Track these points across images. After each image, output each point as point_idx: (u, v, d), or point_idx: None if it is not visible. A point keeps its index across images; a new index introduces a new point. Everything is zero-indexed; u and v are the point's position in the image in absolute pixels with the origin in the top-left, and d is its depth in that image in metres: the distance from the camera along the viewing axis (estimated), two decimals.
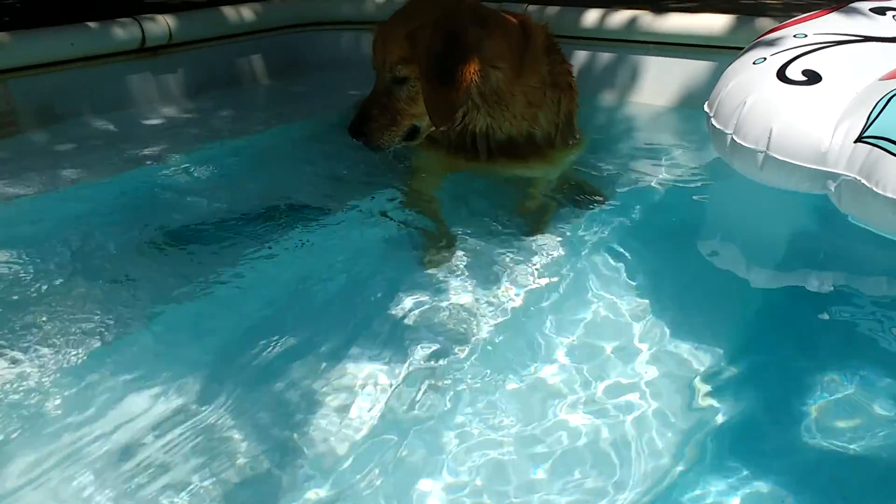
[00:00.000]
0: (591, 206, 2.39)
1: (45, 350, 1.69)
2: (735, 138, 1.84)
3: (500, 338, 1.75)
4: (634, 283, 1.96)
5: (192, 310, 1.90)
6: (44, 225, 2.28)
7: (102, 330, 1.78)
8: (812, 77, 1.85)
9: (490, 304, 1.87)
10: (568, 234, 2.24)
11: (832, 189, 1.70)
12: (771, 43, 2.07)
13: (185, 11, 3.38)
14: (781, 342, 1.75)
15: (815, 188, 1.75)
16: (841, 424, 1.46)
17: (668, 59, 3.48)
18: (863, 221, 1.68)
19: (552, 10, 3.64)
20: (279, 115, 3.32)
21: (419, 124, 2.39)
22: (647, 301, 1.87)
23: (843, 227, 1.96)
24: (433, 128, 2.41)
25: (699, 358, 1.65)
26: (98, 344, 1.72)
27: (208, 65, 3.45)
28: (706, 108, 2.06)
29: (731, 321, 1.84)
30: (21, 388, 1.57)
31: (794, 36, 2.09)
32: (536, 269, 2.04)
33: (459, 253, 2.11)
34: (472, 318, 1.82)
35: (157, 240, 2.22)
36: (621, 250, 2.16)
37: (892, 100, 1.65)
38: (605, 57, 3.59)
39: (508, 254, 2.10)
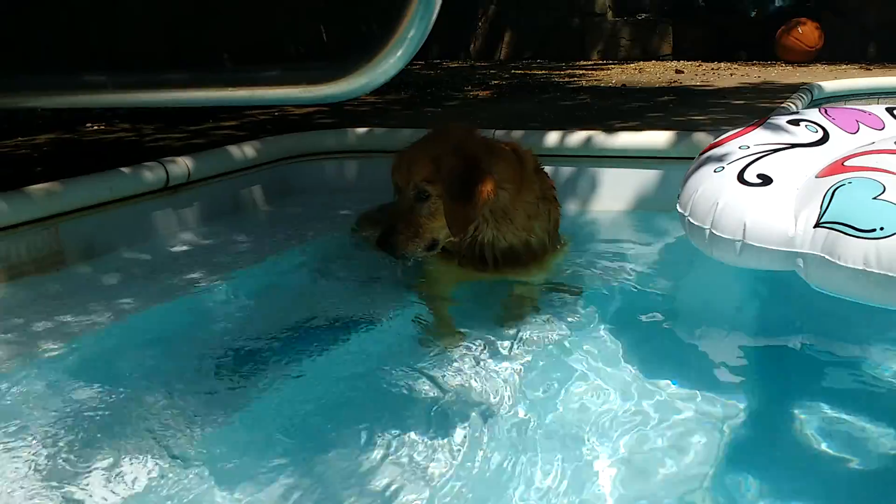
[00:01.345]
0: (571, 297, 2.75)
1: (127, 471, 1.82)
2: (714, 232, 2.25)
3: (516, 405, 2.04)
4: (622, 356, 2.28)
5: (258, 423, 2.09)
6: (112, 354, 2.45)
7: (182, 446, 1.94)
8: (766, 179, 2.29)
9: (499, 382, 2.17)
10: (555, 321, 2.54)
11: (801, 265, 2.10)
12: (723, 154, 2.53)
13: (199, 153, 3.72)
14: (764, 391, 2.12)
15: (787, 266, 2.15)
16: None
17: (620, 170, 3.97)
18: (826, 289, 2.08)
19: (517, 133, 4.12)
20: (287, 237, 3.58)
21: (438, 237, 2.67)
22: (634, 369, 2.20)
23: (794, 296, 2.42)
24: (449, 239, 2.72)
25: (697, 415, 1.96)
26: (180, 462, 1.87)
27: (217, 197, 3.75)
28: (680, 210, 2.46)
29: (705, 374, 2.19)
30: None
31: (740, 147, 2.54)
32: (537, 350, 2.35)
33: (471, 345, 2.40)
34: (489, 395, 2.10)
35: (219, 366, 2.38)
36: (604, 331, 2.46)
37: (835, 193, 2.10)
38: (567, 171, 4.05)
39: (507, 341, 2.41)
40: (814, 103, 5.35)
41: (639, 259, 3.19)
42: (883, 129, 2.88)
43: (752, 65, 8.36)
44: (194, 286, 2.95)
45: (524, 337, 2.45)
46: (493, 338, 2.44)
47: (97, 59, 5.63)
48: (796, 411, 2.02)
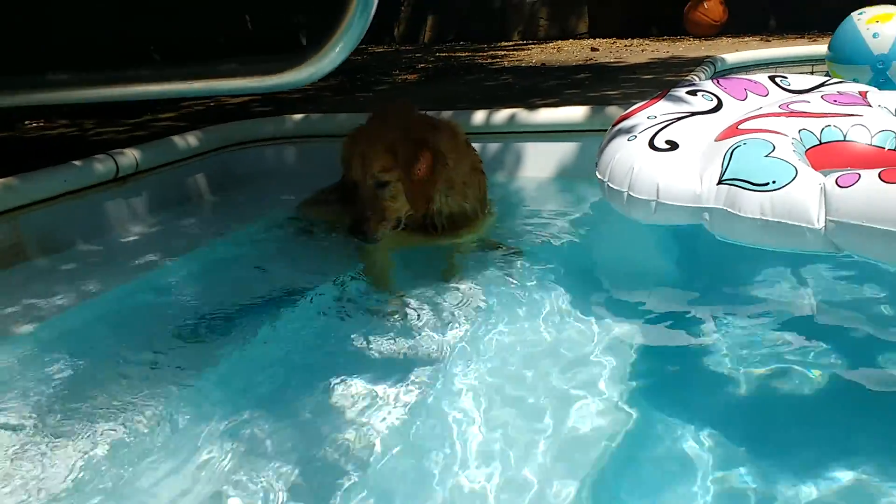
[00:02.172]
0: (510, 258, 2.97)
1: (91, 436, 1.95)
2: (631, 194, 2.50)
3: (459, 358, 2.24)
4: (556, 305, 2.53)
5: (218, 382, 2.24)
6: (79, 332, 2.58)
7: (153, 412, 2.07)
8: (673, 145, 2.55)
9: (446, 337, 2.36)
10: (495, 280, 2.76)
11: (707, 218, 2.37)
12: (633, 124, 2.78)
13: (146, 143, 3.82)
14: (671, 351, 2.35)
15: (695, 220, 2.41)
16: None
17: (542, 143, 4.22)
18: (729, 238, 2.35)
19: (446, 113, 4.31)
20: (235, 221, 3.71)
21: (401, 216, 2.84)
22: (567, 317, 2.44)
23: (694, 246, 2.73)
24: (409, 214, 2.88)
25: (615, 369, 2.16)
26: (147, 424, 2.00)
27: (164, 187, 3.85)
28: (599, 176, 2.71)
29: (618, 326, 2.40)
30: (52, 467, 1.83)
31: (648, 118, 2.80)
32: (479, 308, 2.56)
33: (414, 303, 2.60)
34: (437, 351, 2.29)
35: (182, 334, 2.55)
36: (540, 286, 2.70)
37: (733, 153, 2.36)
38: (494, 146, 4.27)
39: (449, 300, 2.62)
40: (716, 75, 5.70)
41: (562, 220, 3.47)
42: (767, 95, 3.18)
43: (663, 40, 8.72)
44: (150, 269, 3.08)
45: (466, 293, 2.66)
46: (436, 298, 2.64)
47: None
48: (701, 346, 2.29)
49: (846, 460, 1.69)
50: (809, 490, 1.62)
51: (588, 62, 6.71)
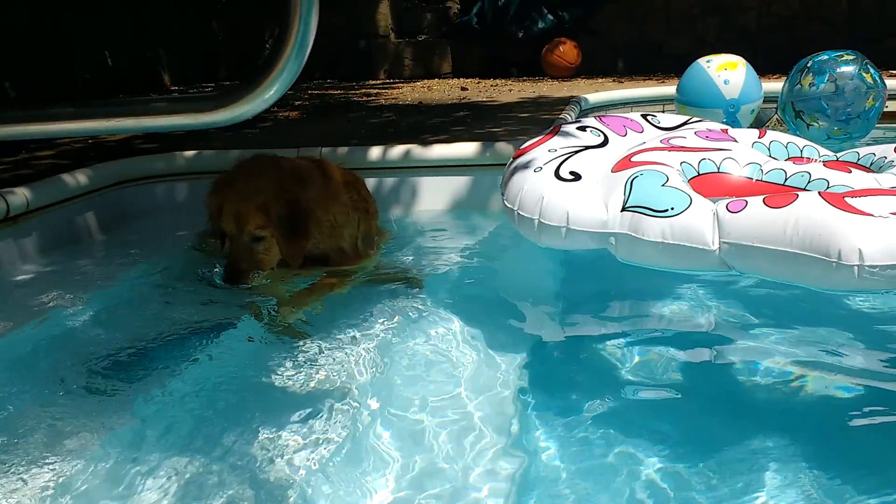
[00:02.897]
0: (408, 286, 3.06)
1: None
2: (542, 221, 2.66)
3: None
4: (453, 330, 2.65)
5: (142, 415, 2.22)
6: None
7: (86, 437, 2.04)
8: (576, 175, 2.74)
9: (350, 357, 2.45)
10: (395, 308, 2.84)
11: (612, 242, 2.57)
12: (536, 157, 2.96)
13: (35, 182, 3.64)
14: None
15: (602, 244, 2.60)
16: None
17: (435, 177, 4.37)
18: (632, 261, 2.56)
19: (342, 150, 4.39)
20: (131, 259, 3.60)
21: (274, 264, 2.96)
22: (464, 341, 2.57)
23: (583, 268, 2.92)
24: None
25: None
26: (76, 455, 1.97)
27: (53, 226, 3.69)
28: (509, 205, 2.86)
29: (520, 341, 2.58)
30: None
31: (549, 151, 3.00)
32: (380, 334, 2.63)
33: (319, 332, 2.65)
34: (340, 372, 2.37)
35: (95, 373, 2.46)
36: (435, 309, 2.82)
37: (633, 182, 2.58)
38: (390, 181, 4.37)
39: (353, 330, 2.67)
40: (582, 113, 6.08)
41: (457, 249, 3.64)
42: (642, 131, 3.48)
43: (524, 80, 9.16)
44: (52, 309, 2.95)
45: (366, 322, 2.73)
46: (335, 329, 2.68)
47: None
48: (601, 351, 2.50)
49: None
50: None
51: (462, 101, 6.96)
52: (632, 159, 2.88)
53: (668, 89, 6.37)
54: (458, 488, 1.83)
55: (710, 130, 3.38)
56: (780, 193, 2.47)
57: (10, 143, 4.91)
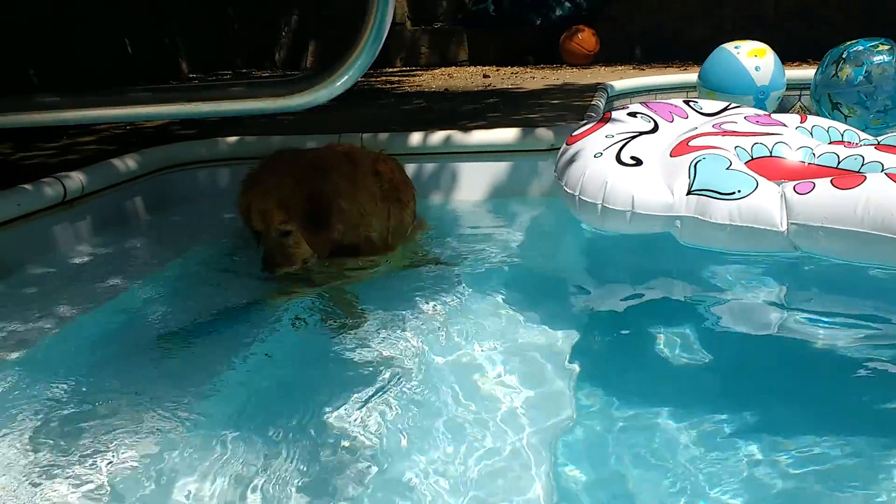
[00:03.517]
0: (445, 272, 3.06)
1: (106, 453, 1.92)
2: (605, 205, 2.68)
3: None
4: (494, 315, 2.64)
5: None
6: (69, 355, 2.49)
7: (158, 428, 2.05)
8: (637, 160, 2.76)
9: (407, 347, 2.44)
10: (437, 291, 2.85)
11: (678, 226, 2.59)
12: (595, 143, 2.98)
13: (90, 166, 3.66)
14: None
15: (666, 228, 2.62)
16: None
17: (475, 163, 4.37)
18: (697, 244, 2.58)
19: (383, 136, 4.39)
20: (177, 244, 3.61)
21: (307, 256, 2.90)
22: (509, 324, 2.57)
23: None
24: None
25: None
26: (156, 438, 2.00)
27: (104, 209, 3.71)
28: (569, 190, 2.88)
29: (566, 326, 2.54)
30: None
31: (606, 137, 3.02)
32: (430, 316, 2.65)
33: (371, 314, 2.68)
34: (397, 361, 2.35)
35: (164, 343, 2.55)
36: (474, 295, 2.82)
37: (697, 166, 2.60)
38: (430, 167, 4.38)
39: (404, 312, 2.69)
40: (609, 100, 6.08)
41: (497, 234, 3.62)
42: (687, 117, 3.48)
43: (543, 68, 9.13)
44: (109, 292, 2.99)
45: (411, 305, 2.74)
46: (389, 313, 2.69)
47: None
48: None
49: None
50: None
51: (488, 88, 6.95)
52: (689, 144, 2.89)
53: (692, 76, 6.35)
54: (506, 460, 1.84)
55: (759, 115, 3.39)
56: (846, 175, 2.48)
57: (51, 128, 4.92)
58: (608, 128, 3.14)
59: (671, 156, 2.83)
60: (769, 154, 3.04)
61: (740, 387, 2.18)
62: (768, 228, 2.42)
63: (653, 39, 9.71)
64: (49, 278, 3.08)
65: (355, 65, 2.45)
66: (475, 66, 9.96)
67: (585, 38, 9.19)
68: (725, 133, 3.09)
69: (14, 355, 2.40)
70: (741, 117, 3.34)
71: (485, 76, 8.37)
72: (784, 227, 2.41)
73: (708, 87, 5.74)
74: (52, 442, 1.97)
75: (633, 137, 3.03)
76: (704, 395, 2.16)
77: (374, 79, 8.44)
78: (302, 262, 2.91)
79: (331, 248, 2.91)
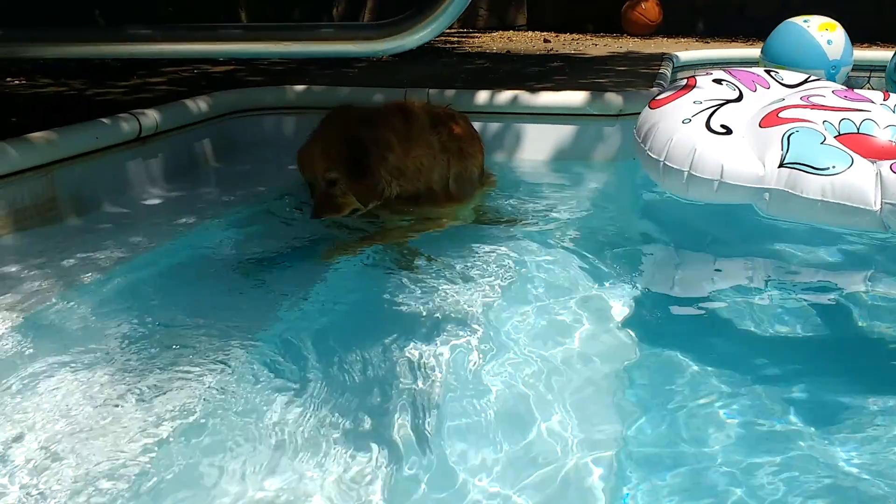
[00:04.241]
0: (508, 228, 3.01)
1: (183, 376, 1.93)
2: (692, 173, 2.58)
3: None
4: (552, 271, 2.59)
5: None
6: (141, 283, 2.51)
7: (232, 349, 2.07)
8: (727, 129, 2.65)
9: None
10: (500, 249, 2.78)
11: (766, 198, 2.48)
12: (683, 108, 2.85)
13: (163, 105, 3.63)
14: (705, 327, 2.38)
15: (753, 199, 2.52)
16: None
17: (541, 125, 4.27)
18: (784, 217, 2.47)
19: (449, 92, 4.29)
20: (244, 189, 3.58)
21: (356, 206, 2.91)
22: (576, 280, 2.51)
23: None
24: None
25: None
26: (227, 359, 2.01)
27: (175, 151, 3.69)
28: (654, 156, 2.77)
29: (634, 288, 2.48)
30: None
31: (694, 102, 2.89)
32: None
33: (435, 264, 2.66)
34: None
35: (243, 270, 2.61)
36: (544, 255, 2.73)
37: (790, 139, 2.48)
38: (494, 126, 4.28)
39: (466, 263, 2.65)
40: (674, 70, 5.90)
41: (560, 197, 3.54)
42: (769, 88, 3.33)
43: (603, 36, 8.92)
44: (181, 230, 2.99)
45: (478, 259, 2.69)
46: (450, 268, 2.64)
47: None
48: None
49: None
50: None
51: (550, 52, 6.79)
52: (779, 115, 2.76)
53: (757, 51, 6.13)
54: (569, 418, 1.79)
55: (846, 90, 3.23)
56: None
57: (122, 68, 4.91)
58: (696, 93, 3.01)
59: (761, 126, 2.70)
60: (856, 130, 2.90)
61: (807, 367, 2.08)
62: (861, 207, 2.31)
63: (716, 13, 9.41)
64: (122, 213, 3.09)
65: (447, 10, 2.35)
66: (533, 31, 9.76)
67: (649, 8, 8.93)
68: (814, 106, 2.95)
69: (90, 283, 2.41)
70: (828, 91, 3.19)
71: (545, 41, 8.19)
72: (878, 207, 2.30)
73: (776, 62, 5.54)
74: (121, 366, 1.98)
75: (721, 105, 2.90)
76: (765, 373, 2.05)
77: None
78: (351, 212, 2.93)
79: (377, 197, 2.92)
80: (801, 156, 2.43)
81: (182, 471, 1.60)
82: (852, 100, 3.12)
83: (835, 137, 2.79)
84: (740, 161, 2.52)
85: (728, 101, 2.97)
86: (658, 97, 3.14)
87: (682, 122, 2.73)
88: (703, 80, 3.14)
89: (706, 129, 2.64)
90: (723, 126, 2.65)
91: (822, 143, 2.45)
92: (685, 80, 3.20)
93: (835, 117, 2.90)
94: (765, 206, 2.49)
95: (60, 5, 4.82)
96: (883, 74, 5.19)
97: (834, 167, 2.36)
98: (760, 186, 2.48)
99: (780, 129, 2.57)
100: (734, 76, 3.28)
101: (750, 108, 2.97)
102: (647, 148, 2.79)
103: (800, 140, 2.49)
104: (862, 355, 2.16)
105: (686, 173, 2.58)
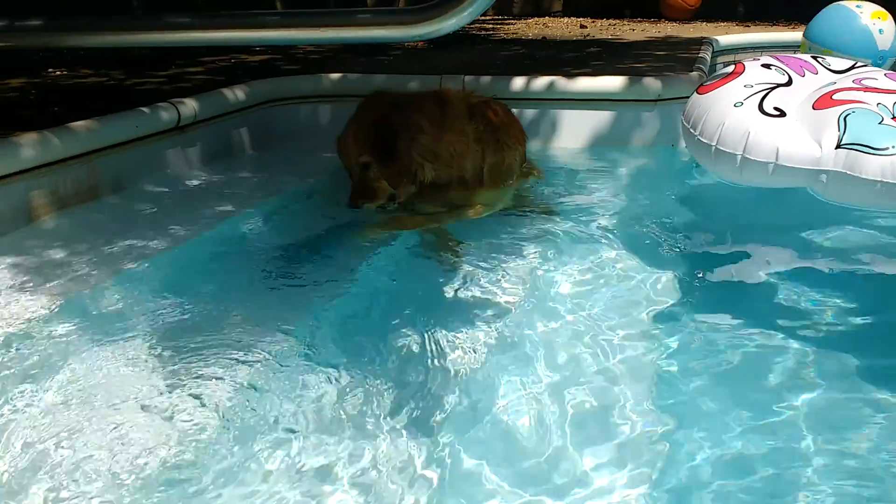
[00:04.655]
0: (547, 216, 2.96)
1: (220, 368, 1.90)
2: (746, 156, 2.48)
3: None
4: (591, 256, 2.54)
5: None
6: (182, 269, 2.51)
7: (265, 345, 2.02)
8: (780, 112, 2.54)
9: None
10: (530, 234, 2.77)
11: (824, 180, 2.37)
12: (734, 92, 2.74)
13: (201, 94, 3.62)
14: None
15: (809, 183, 2.41)
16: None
17: (578, 111, 4.17)
18: (842, 200, 2.36)
19: (485, 79, 4.21)
20: (286, 175, 3.56)
21: (391, 192, 2.89)
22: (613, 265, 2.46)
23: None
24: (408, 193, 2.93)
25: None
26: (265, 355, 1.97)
27: (213, 139, 3.67)
28: (706, 140, 2.67)
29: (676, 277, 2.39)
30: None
31: (744, 86, 2.79)
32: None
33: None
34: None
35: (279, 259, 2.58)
36: (580, 243, 2.69)
37: (846, 120, 2.37)
38: (531, 112, 4.20)
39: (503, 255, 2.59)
40: (714, 54, 5.74)
41: (598, 183, 3.48)
42: (817, 73, 3.20)
43: (640, 21, 8.75)
44: (219, 217, 2.96)
45: (517, 246, 2.65)
46: (486, 253, 2.61)
47: None
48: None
49: None
50: None
51: (587, 38, 6.67)
52: (833, 97, 2.64)
53: (799, 35, 5.94)
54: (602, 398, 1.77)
55: None
56: None
57: (161, 58, 4.91)
58: (746, 77, 2.90)
59: (814, 108, 2.59)
60: None
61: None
62: None
63: None
64: (161, 201, 3.07)
65: None
66: (569, 17, 9.62)
67: None
68: (867, 89, 2.82)
69: (128, 266, 2.42)
70: (881, 74, 3.06)
71: (581, 26, 8.05)
72: None
73: (821, 44, 5.35)
74: (157, 353, 1.97)
75: (772, 89, 2.79)
76: (807, 363, 1.95)
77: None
78: (388, 199, 2.91)
79: (410, 180, 2.90)
80: (859, 137, 2.31)
81: (218, 458, 1.59)
82: None
83: (892, 118, 2.67)
84: (796, 143, 2.41)
85: (778, 85, 2.85)
86: (706, 83, 3.03)
87: (734, 106, 2.62)
88: (752, 65, 3.03)
89: (759, 112, 2.53)
90: (776, 108, 2.54)
91: (880, 124, 2.33)
92: (733, 66, 3.08)
93: (889, 100, 2.77)
94: (822, 188, 2.38)
95: None
96: None
97: (893, 147, 2.24)
98: (817, 168, 2.37)
99: (836, 111, 2.46)
100: (782, 61, 3.16)
101: (801, 92, 2.86)
102: (697, 133, 2.69)
103: (857, 121, 2.37)
104: None
105: (740, 157, 2.48)
